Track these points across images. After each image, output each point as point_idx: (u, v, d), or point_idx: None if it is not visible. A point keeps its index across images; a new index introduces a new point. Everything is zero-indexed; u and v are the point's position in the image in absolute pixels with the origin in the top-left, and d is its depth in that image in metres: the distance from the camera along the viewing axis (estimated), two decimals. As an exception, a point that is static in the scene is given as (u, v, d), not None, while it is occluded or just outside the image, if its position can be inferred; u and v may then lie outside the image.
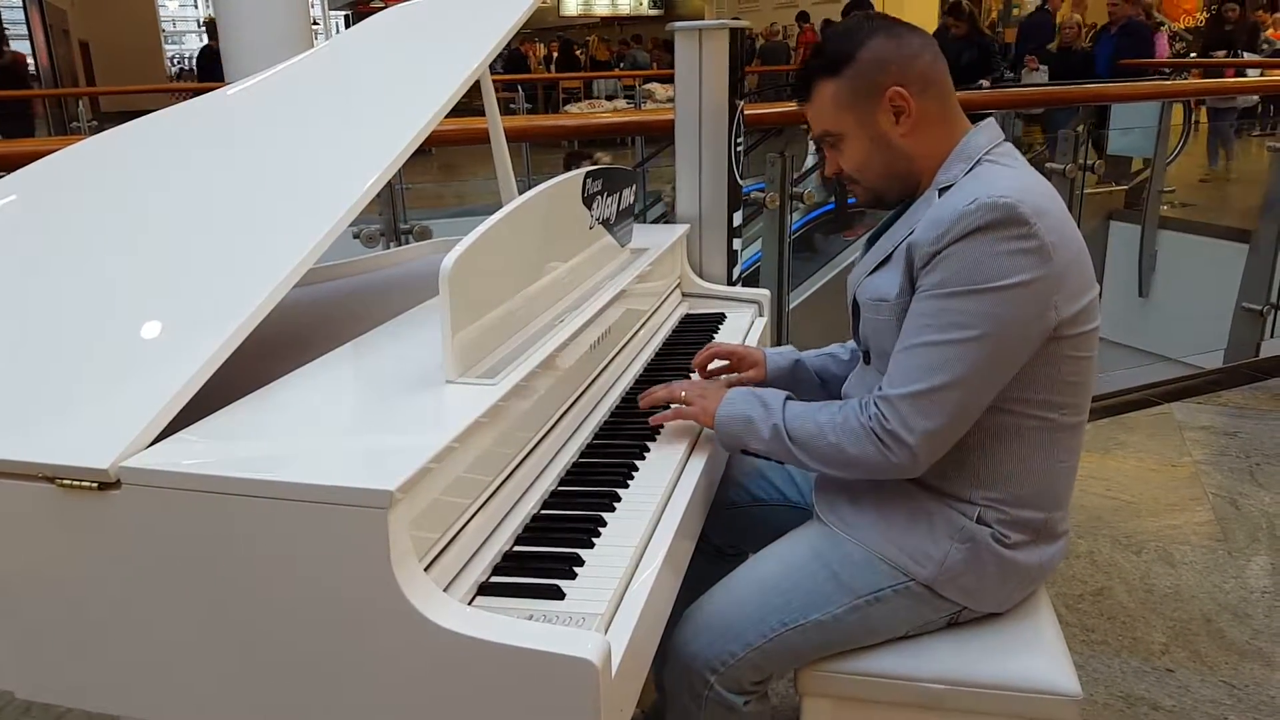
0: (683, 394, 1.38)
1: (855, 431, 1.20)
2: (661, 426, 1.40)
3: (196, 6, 28.23)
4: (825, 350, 1.61)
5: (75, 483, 0.94)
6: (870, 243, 1.37)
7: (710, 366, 1.60)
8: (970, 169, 1.22)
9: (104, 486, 0.94)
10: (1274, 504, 2.64)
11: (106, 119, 8.87)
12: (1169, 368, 4.28)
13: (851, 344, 1.56)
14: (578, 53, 16.93)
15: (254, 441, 1.03)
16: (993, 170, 1.21)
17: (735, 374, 1.57)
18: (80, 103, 9.55)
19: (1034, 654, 1.28)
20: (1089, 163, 3.79)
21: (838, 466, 1.23)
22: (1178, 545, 2.45)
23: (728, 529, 1.57)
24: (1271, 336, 4.31)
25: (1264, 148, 4.33)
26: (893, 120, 1.25)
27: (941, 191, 1.22)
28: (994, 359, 1.14)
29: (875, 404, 1.19)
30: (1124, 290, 5.30)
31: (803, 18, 14.43)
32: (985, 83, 7.15)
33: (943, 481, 1.24)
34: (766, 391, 1.33)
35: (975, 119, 1.29)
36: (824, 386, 1.57)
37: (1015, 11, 16.77)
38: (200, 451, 0.98)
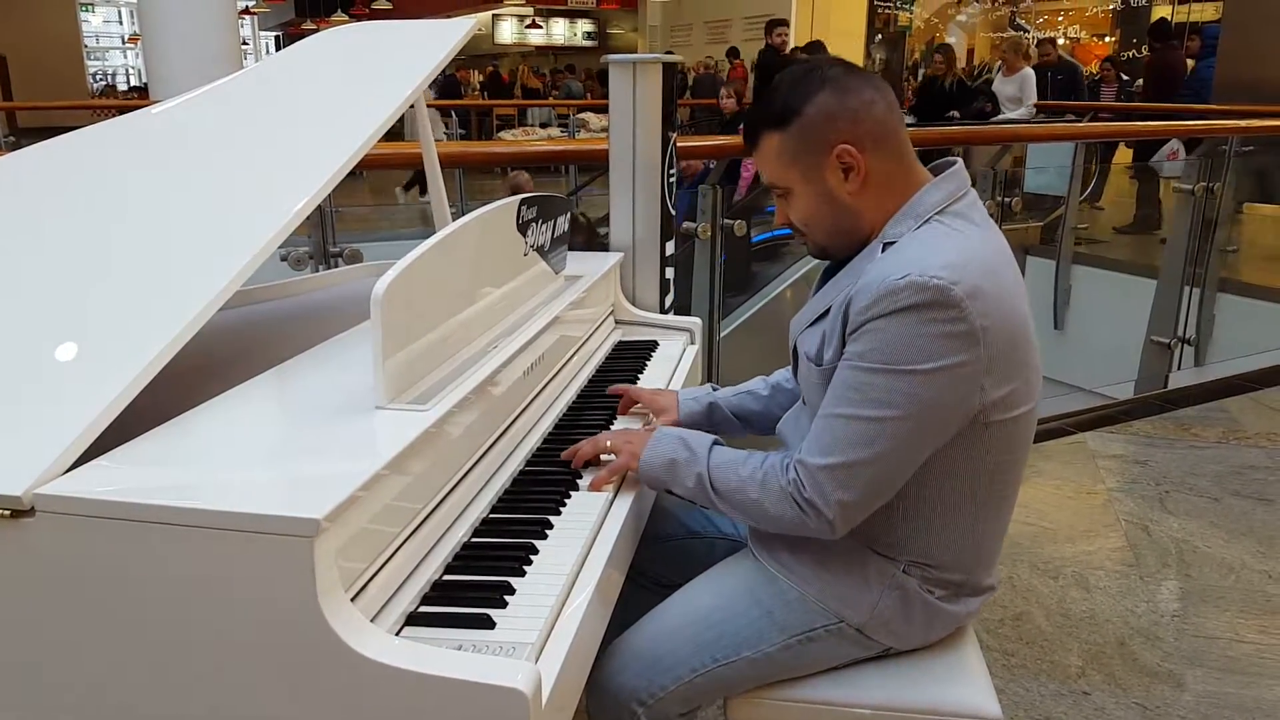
0: (608, 444, 1.35)
1: (775, 492, 1.19)
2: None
3: (121, 23, 27.53)
4: (743, 388, 1.59)
5: (-14, 511, 0.90)
6: (820, 285, 1.35)
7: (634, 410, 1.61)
8: (918, 227, 1.19)
9: (17, 514, 0.90)
10: (1182, 530, 2.74)
11: (25, 135, 8.59)
12: (1083, 398, 4.42)
13: (773, 379, 1.57)
14: (509, 79, 16.99)
15: (176, 468, 1.01)
16: (937, 235, 1.17)
17: (648, 420, 1.56)
18: (-4, 118, 9.23)
19: (958, 681, 1.30)
20: (1007, 200, 3.93)
21: (760, 522, 1.23)
22: (1092, 570, 2.53)
23: (662, 562, 1.56)
24: (1179, 369, 4.50)
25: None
26: (841, 177, 1.21)
27: (885, 247, 1.19)
28: (913, 439, 1.13)
29: (795, 469, 1.17)
30: (1040, 323, 5.44)
31: (733, 53, 14.69)
32: (955, 114, 7.38)
33: (871, 541, 1.24)
34: (692, 434, 1.30)
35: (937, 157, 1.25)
36: (745, 425, 1.56)
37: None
38: (120, 478, 0.95)
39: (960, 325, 1.09)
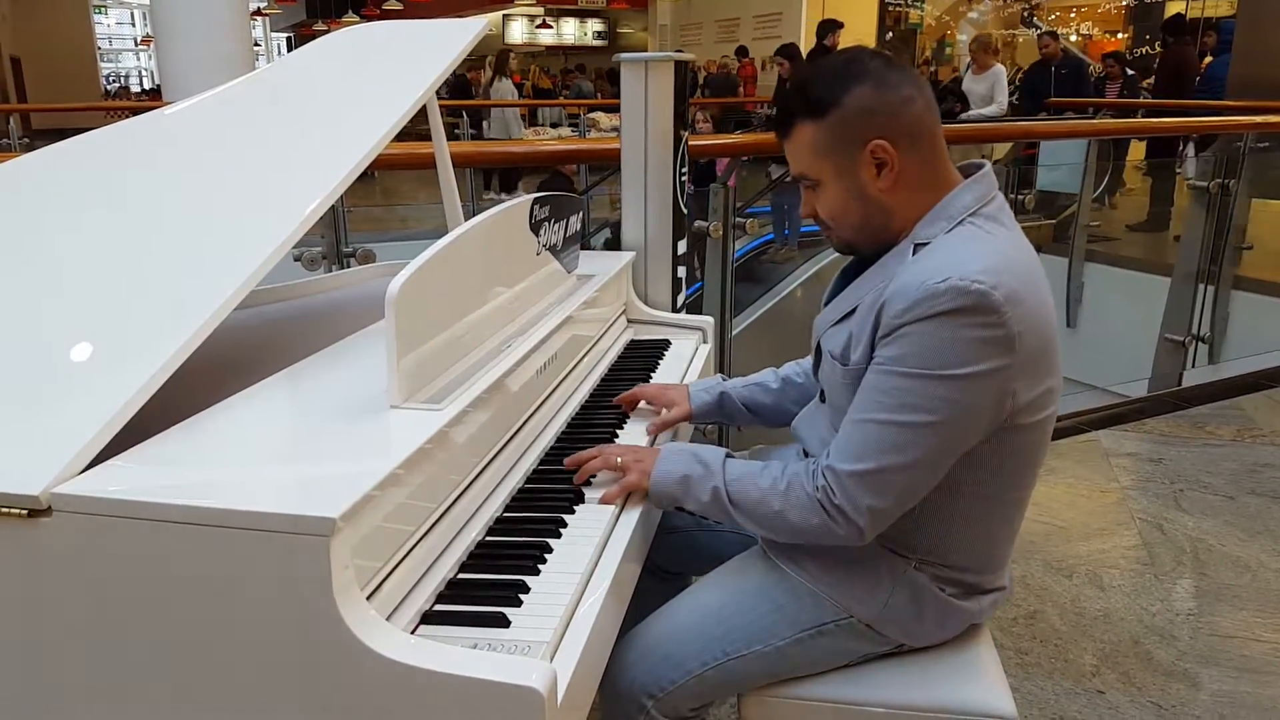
0: (618, 460, 1.31)
1: (802, 501, 1.17)
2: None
3: (134, 24, 27.70)
4: (753, 379, 1.59)
5: (4, 510, 0.91)
6: (840, 282, 1.33)
7: (640, 406, 1.61)
8: (951, 229, 1.16)
9: (34, 514, 0.91)
10: (1197, 529, 2.73)
11: (39, 136, 8.65)
12: (1096, 396, 4.40)
13: (783, 371, 1.57)
14: (520, 79, 17.01)
15: (192, 467, 1.01)
16: (973, 238, 1.15)
17: (660, 414, 1.57)
18: (11, 119, 9.29)
19: (972, 679, 1.29)
20: (1019, 198, 3.92)
21: (780, 534, 1.22)
22: (1107, 569, 2.52)
23: (672, 552, 1.57)
24: (1193, 367, 4.47)
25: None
26: (874, 173, 1.18)
27: (917, 248, 1.17)
28: (946, 444, 1.12)
29: (824, 475, 1.16)
30: (1053, 321, 5.43)
31: (742, 52, 14.69)
32: None
33: (885, 539, 1.23)
34: (703, 448, 1.29)
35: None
36: (755, 416, 1.57)
37: (948, 50, 17.32)
38: (136, 477, 0.95)
39: (999, 330, 1.08)
